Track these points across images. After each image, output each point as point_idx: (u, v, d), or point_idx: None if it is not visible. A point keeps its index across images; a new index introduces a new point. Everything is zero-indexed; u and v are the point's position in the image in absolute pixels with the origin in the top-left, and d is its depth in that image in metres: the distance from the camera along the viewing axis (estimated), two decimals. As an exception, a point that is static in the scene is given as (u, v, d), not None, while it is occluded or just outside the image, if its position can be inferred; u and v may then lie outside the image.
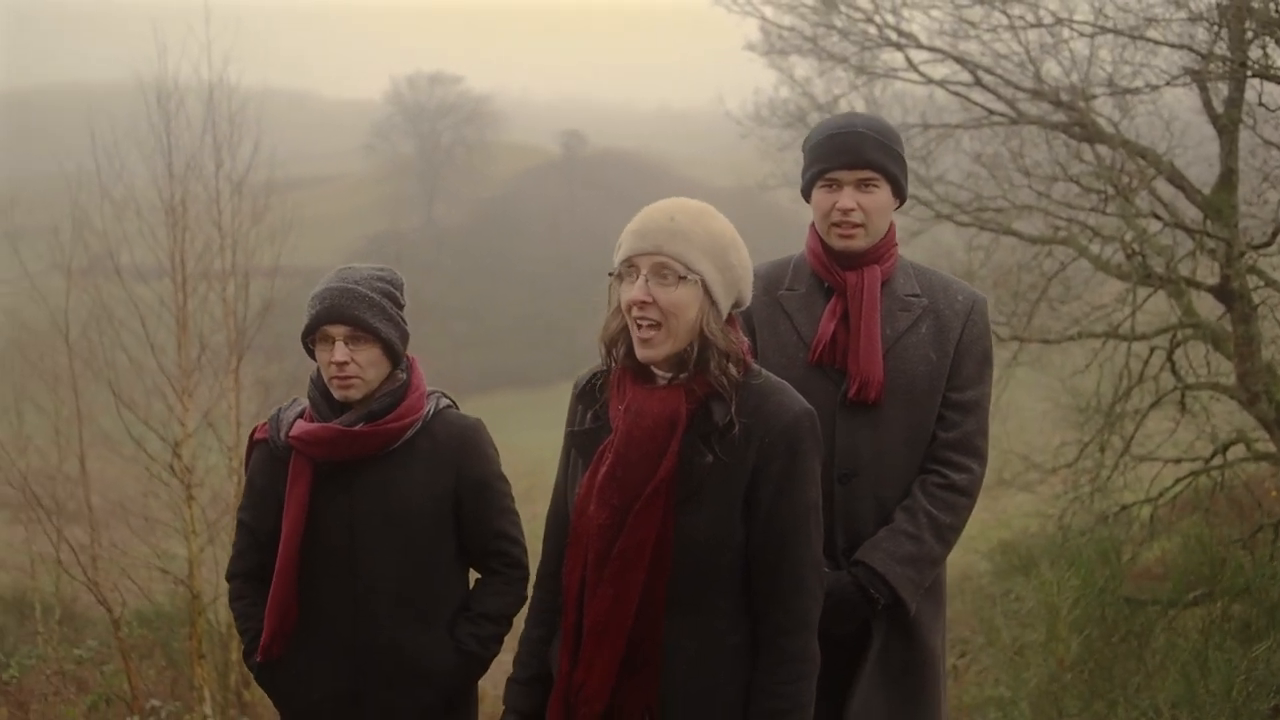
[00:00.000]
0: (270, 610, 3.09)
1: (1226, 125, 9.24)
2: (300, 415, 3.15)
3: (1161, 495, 10.07)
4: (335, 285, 3.04)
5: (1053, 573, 7.61)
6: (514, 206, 69.91)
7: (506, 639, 3.17)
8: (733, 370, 2.40)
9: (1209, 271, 9.73)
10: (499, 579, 3.20)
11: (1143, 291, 10.08)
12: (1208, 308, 9.97)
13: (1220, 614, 7.10)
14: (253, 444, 3.26)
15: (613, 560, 2.36)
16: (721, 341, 2.39)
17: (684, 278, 2.36)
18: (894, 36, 11.13)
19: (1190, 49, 8.96)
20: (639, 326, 2.38)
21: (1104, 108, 10.17)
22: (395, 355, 3.10)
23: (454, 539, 3.18)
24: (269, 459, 3.18)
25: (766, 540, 2.39)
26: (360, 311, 3.01)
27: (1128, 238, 9.93)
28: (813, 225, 3.08)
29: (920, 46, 11.10)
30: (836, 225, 2.97)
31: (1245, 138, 9.36)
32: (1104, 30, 9.57)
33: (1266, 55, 8.48)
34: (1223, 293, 9.40)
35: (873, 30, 11.21)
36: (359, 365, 3.03)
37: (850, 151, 2.94)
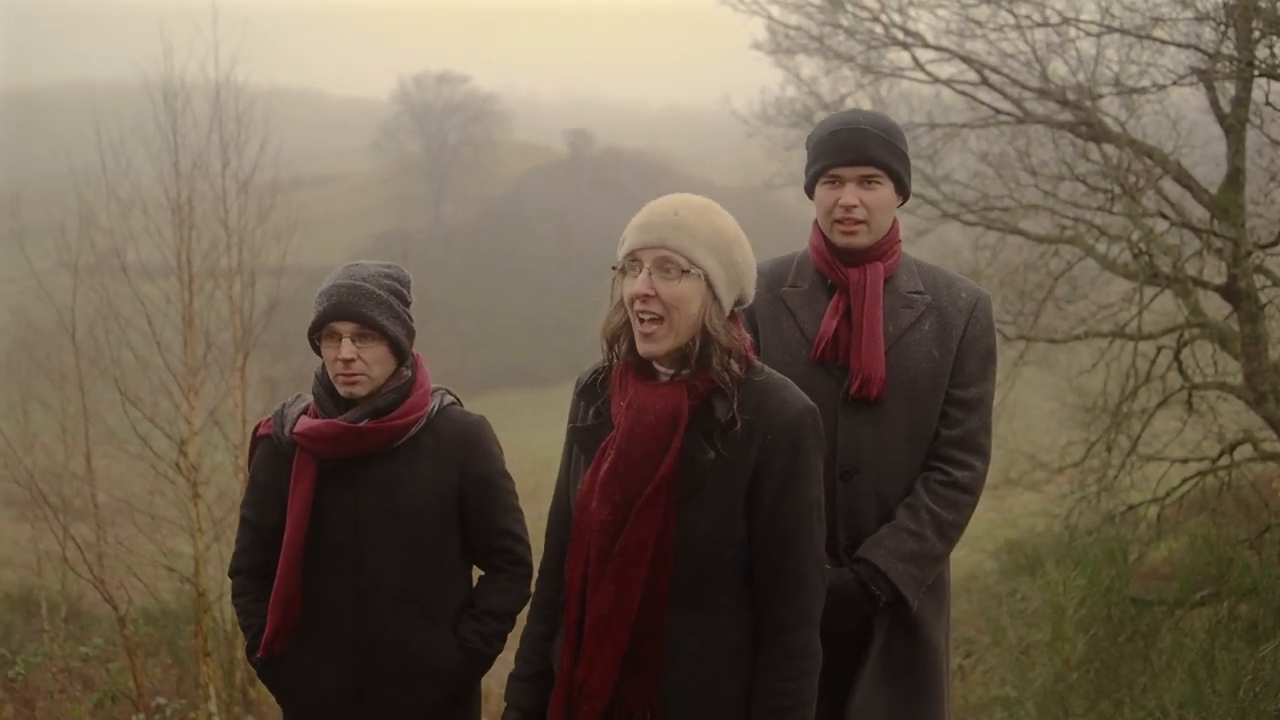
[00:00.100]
0: (274, 607, 3.09)
1: (1233, 125, 9.22)
2: (304, 411, 3.15)
3: (1168, 495, 10.05)
4: (343, 282, 3.03)
5: (1059, 572, 7.59)
6: (521, 206, 69.93)
7: (509, 636, 3.17)
8: (735, 367, 2.39)
9: (1216, 271, 9.72)
10: (503, 576, 3.20)
11: (1149, 291, 10.07)
12: (1215, 307, 9.95)
13: (1227, 614, 7.08)
14: (256, 440, 3.27)
15: (615, 557, 2.36)
16: (723, 337, 2.39)
17: (687, 272, 2.35)
18: (900, 35, 11.13)
19: (1197, 48, 8.94)
20: (641, 320, 2.37)
21: (1110, 107, 10.17)
22: (401, 353, 3.11)
23: (458, 536, 3.18)
24: (272, 455, 3.18)
25: (769, 537, 2.39)
26: (368, 309, 3.01)
27: (1134, 237, 9.92)
28: (816, 222, 3.07)
29: (927, 46, 11.10)
30: (839, 222, 2.97)
31: (1252, 137, 9.35)
32: (1110, 30, 9.56)
33: (1274, 55, 8.46)
34: (1230, 292, 9.39)
35: (879, 29, 11.22)
36: (365, 362, 3.03)
37: (853, 148, 2.93)
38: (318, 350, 3.12)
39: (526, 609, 2.81)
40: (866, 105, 11.62)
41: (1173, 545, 10.15)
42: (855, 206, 2.94)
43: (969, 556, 13.97)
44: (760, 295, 2.88)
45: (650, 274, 2.36)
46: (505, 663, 2.84)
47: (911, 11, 11.10)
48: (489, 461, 3.19)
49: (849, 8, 11.27)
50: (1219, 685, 5.71)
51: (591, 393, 2.55)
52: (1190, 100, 10.06)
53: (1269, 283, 9.46)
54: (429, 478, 3.10)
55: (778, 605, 2.40)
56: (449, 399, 3.24)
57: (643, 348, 2.39)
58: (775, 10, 11.84)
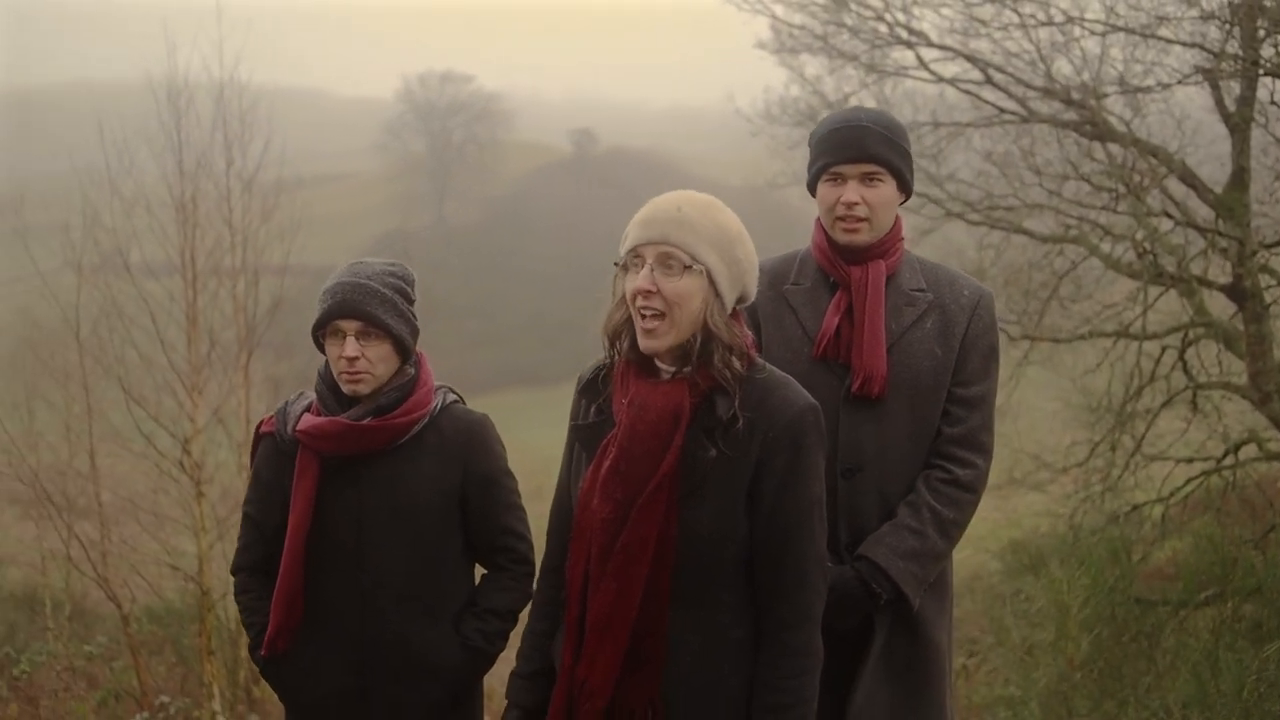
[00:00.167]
0: (276, 604, 3.09)
1: (1238, 124, 9.21)
2: (307, 409, 3.14)
3: (1173, 495, 10.04)
4: (348, 280, 3.03)
5: (1063, 572, 7.58)
6: (525, 205, 70.00)
7: (512, 635, 3.17)
8: (736, 364, 2.39)
9: (1221, 270, 9.70)
10: (505, 575, 3.20)
11: (1154, 290, 10.06)
12: (1220, 307, 9.94)
13: (1231, 614, 7.06)
14: (259, 437, 3.26)
15: (616, 555, 2.36)
16: (725, 334, 2.38)
17: (689, 267, 2.35)
18: (904, 35, 11.13)
19: (1202, 47, 8.93)
20: (642, 316, 2.37)
21: (1115, 106, 10.16)
22: (405, 351, 3.10)
23: (461, 534, 3.18)
24: (275, 452, 3.18)
25: (770, 535, 2.38)
26: (372, 307, 3.00)
27: (1139, 236, 9.91)
28: (818, 219, 3.07)
29: (931, 45, 11.10)
30: (841, 219, 2.97)
31: (1257, 136, 9.35)
32: (1115, 28, 9.56)
33: (1279, 54, 8.45)
34: (1235, 292, 9.37)
35: (883, 28, 11.21)
36: (369, 361, 3.02)
37: (854, 145, 2.93)
38: (321, 348, 3.12)
39: (529, 607, 2.80)
40: (870, 104, 11.60)
41: (1177, 545, 10.13)
42: (857, 204, 2.94)
43: (973, 556, 13.95)
44: (762, 293, 2.87)
45: (652, 270, 2.35)
46: (508, 661, 2.84)
47: (916, 10, 11.11)
48: (492, 460, 3.18)
49: (853, 7, 11.26)
50: (1223, 685, 5.70)
51: (593, 390, 2.55)
52: (1195, 99, 10.06)
53: (1274, 282, 9.45)
54: (432, 476, 3.10)
55: (779, 603, 2.39)
56: (451, 397, 3.23)
57: (644, 344, 2.39)
58: (779, 9, 11.85)
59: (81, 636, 9.24)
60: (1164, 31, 9.14)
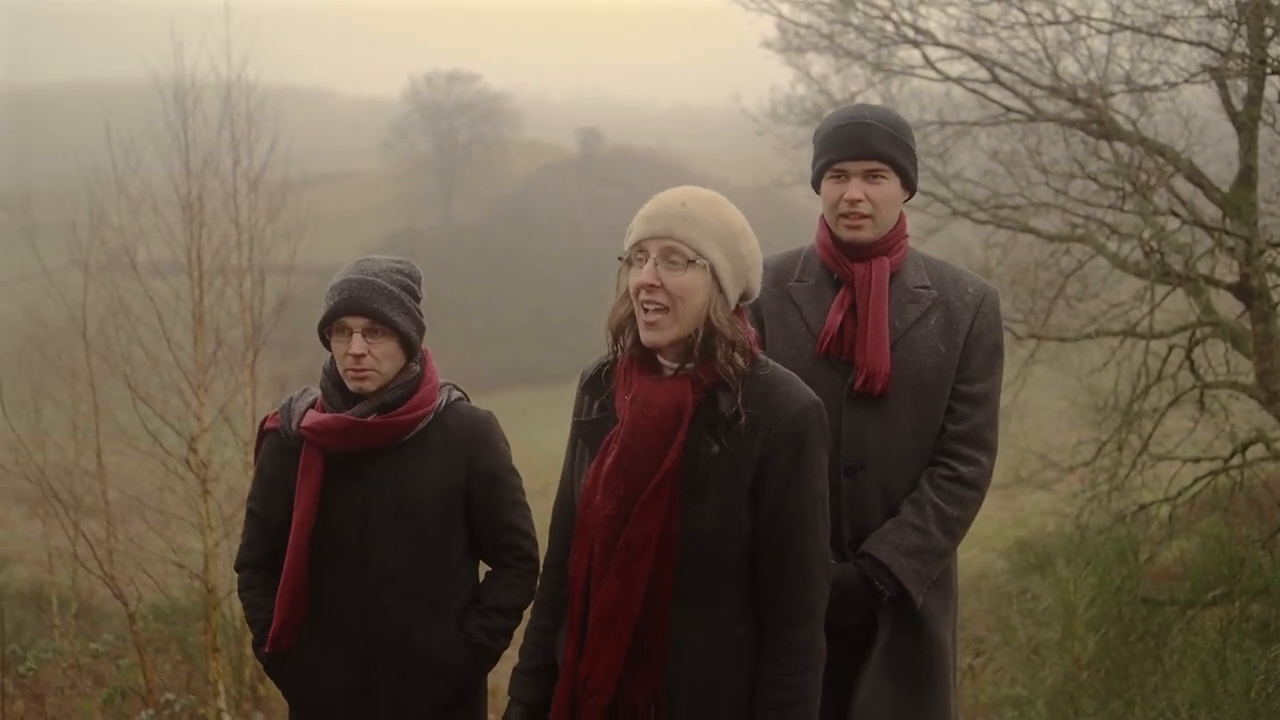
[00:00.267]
0: (280, 601, 3.09)
1: (1246, 123, 9.20)
2: (312, 405, 3.14)
3: (1180, 494, 10.02)
4: (355, 277, 3.03)
5: (1070, 571, 7.58)
6: (531, 204, 70.02)
7: (516, 632, 3.17)
8: (739, 360, 2.38)
9: (1228, 269, 9.69)
10: (509, 572, 3.20)
11: (1161, 289, 10.04)
12: (1227, 306, 9.93)
13: (1239, 614, 7.05)
14: (263, 433, 3.26)
15: (619, 551, 2.36)
16: (728, 330, 2.38)
17: (693, 262, 2.35)
18: (911, 34, 11.12)
19: (1209, 46, 8.92)
20: (645, 310, 2.37)
21: (1122, 105, 10.15)
22: (411, 348, 3.10)
23: (465, 531, 3.18)
24: (279, 449, 3.18)
25: (773, 531, 2.38)
26: (379, 304, 3.00)
27: (1146, 235, 9.90)
28: (822, 217, 3.07)
29: (937, 44, 11.09)
30: (844, 216, 2.97)
31: (1265, 135, 9.33)
32: (1122, 27, 9.54)
33: (1286, 52, 8.44)
34: (1242, 291, 9.36)
35: (890, 27, 11.21)
36: (375, 358, 3.02)
37: (858, 142, 2.93)
38: (327, 344, 3.12)
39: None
40: (876, 103, 11.60)
41: (1184, 545, 10.12)
42: (860, 201, 2.93)
43: (979, 556, 13.95)
44: (766, 290, 2.89)
45: (656, 264, 2.35)
46: (511, 659, 2.84)
47: (922, 9, 11.11)
48: (496, 457, 3.18)
49: (859, 6, 11.26)
50: (1230, 685, 5.69)
51: (596, 386, 2.55)
52: (1202, 98, 10.04)
53: (1282, 281, 9.43)
54: (436, 473, 3.09)
55: (782, 600, 2.39)
56: (456, 394, 3.23)
57: (645, 336, 2.39)
58: (785, 8, 11.85)
59: (88, 634, 9.25)
60: (1171, 30, 9.13)
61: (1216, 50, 8.86)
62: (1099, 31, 9.89)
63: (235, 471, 9.11)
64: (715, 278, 2.37)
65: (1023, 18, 10.36)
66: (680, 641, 2.38)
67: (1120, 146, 10.14)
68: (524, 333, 55.66)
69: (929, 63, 11.25)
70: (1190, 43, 9.10)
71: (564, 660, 2.48)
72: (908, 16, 11.10)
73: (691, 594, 2.38)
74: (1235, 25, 8.63)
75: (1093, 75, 10.22)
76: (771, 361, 2.48)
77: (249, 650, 8.43)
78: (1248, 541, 8.16)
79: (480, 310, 54.26)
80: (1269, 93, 9.00)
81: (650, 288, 2.35)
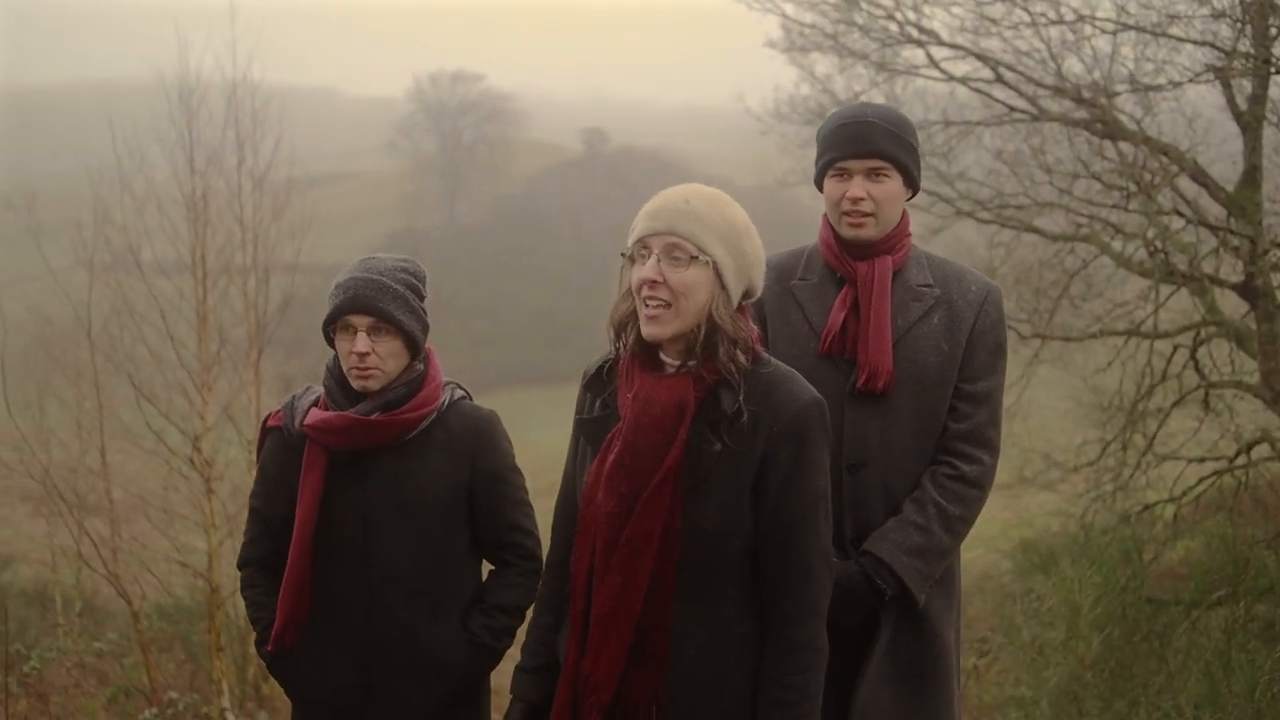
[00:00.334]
0: (283, 599, 3.09)
1: (1250, 122, 9.18)
2: (315, 403, 3.14)
3: (1185, 494, 10.01)
4: (359, 275, 3.03)
5: (1074, 571, 7.57)
6: (535, 204, 70.01)
7: (518, 630, 3.17)
8: (741, 358, 2.38)
9: (1232, 269, 9.68)
10: (512, 571, 3.20)
11: (1165, 289, 10.04)
12: (1231, 305, 9.92)
13: (1244, 614, 7.04)
14: (266, 431, 3.26)
15: (621, 548, 2.36)
16: (730, 327, 2.38)
17: (695, 259, 2.35)
18: (915, 33, 11.12)
19: (1213, 46, 8.90)
20: (647, 306, 2.37)
21: (1126, 104, 10.14)
22: (415, 347, 3.10)
23: (468, 530, 3.17)
24: (282, 447, 3.17)
25: (775, 529, 2.38)
26: (383, 303, 3.00)
27: (1150, 235, 9.89)
28: (825, 215, 3.08)
29: (941, 43, 11.09)
30: (847, 214, 2.97)
31: (1269, 135, 9.32)
32: (1126, 27, 9.53)
33: (1291, 51, 8.43)
34: (1246, 290, 9.35)
35: (894, 27, 11.21)
36: (380, 356, 3.02)
37: (860, 141, 2.93)
38: (331, 343, 3.12)
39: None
40: (880, 102, 11.60)
41: (1189, 545, 10.11)
42: (863, 199, 2.93)
43: (984, 556, 13.94)
44: (769, 288, 2.89)
45: (659, 260, 2.35)
46: (514, 658, 2.84)
47: (926, 9, 11.11)
48: (499, 456, 3.18)
49: (864, 5, 11.26)
50: (1235, 686, 5.69)
51: (598, 384, 2.54)
52: (1206, 98, 10.03)
53: (1286, 281, 9.41)
54: (439, 472, 3.09)
55: (784, 597, 2.39)
56: (459, 393, 3.23)
57: (647, 331, 2.38)
58: (790, 8, 11.85)
59: (92, 633, 9.24)
60: (1175, 30, 9.12)
61: (1221, 50, 8.85)
62: (1103, 31, 9.89)
63: (239, 470, 9.11)
64: (718, 275, 2.37)
65: (1027, 17, 10.36)
66: (682, 639, 2.38)
67: (1125, 146, 10.13)
68: (528, 332, 55.65)
69: (933, 62, 11.25)
70: (1195, 42, 9.09)
71: (566, 658, 2.48)
72: (912, 16, 11.11)
73: (693, 592, 2.38)
74: (1240, 25, 8.62)
75: (1097, 75, 10.22)
76: (773, 359, 2.48)
77: (253, 649, 8.43)
78: (1253, 541, 8.15)
79: (484, 310, 54.25)
80: (1274, 92, 9.00)
81: (653, 284, 2.34)
